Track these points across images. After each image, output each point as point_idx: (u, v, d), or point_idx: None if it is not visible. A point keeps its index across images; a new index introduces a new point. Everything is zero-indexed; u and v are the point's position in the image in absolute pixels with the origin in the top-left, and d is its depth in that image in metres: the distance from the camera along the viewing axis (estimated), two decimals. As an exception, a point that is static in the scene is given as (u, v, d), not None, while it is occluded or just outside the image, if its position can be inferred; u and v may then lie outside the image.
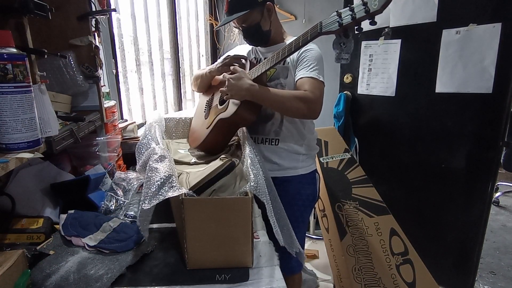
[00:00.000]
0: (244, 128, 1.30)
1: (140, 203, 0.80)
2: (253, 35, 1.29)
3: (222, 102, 1.25)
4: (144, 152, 1.04)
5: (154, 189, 0.77)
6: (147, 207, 0.75)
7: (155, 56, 2.46)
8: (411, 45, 1.67)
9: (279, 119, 1.31)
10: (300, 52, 1.20)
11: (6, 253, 0.73)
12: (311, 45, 1.20)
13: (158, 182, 0.79)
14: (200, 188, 0.84)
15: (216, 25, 3.04)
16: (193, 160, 1.18)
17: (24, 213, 0.95)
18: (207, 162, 1.14)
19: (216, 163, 1.03)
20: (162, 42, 2.52)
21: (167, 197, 0.76)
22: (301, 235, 1.42)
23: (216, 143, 1.24)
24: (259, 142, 1.36)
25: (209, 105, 1.38)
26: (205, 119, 1.33)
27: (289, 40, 1.32)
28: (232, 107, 1.16)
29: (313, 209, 1.46)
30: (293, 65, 1.24)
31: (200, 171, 1.05)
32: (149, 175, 0.84)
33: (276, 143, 1.33)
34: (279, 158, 1.34)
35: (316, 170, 1.43)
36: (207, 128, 1.25)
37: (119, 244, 0.90)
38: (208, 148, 1.25)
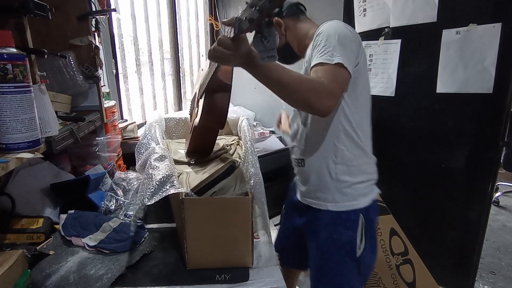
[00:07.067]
0: (244, 127, 1.30)
1: (140, 198, 0.80)
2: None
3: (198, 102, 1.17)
4: (144, 152, 1.04)
5: (156, 186, 0.77)
6: (149, 203, 0.76)
7: (155, 56, 2.46)
8: (411, 45, 1.67)
9: (304, 131, 1.06)
10: (313, 39, 0.93)
11: (6, 253, 0.73)
12: (322, 26, 0.93)
13: (160, 180, 0.79)
14: (200, 190, 0.84)
15: (217, 25, 3.04)
16: (193, 160, 1.18)
17: (24, 213, 0.95)
18: (207, 162, 1.14)
19: (216, 165, 1.03)
20: (162, 42, 2.52)
21: (169, 193, 0.76)
22: None
23: (200, 146, 1.19)
24: (294, 164, 1.13)
25: (192, 105, 1.32)
26: (190, 122, 1.30)
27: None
28: (199, 112, 1.08)
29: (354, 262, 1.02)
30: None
31: (199, 171, 1.05)
32: (150, 172, 0.84)
33: (302, 164, 1.08)
34: (308, 183, 1.06)
35: (363, 210, 1.00)
36: (190, 133, 1.22)
37: (119, 244, 0.90)
38: (196, 151, 1.21)
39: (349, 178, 0.99)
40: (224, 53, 0.72)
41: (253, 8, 0.62)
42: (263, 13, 0.60)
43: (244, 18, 0.64)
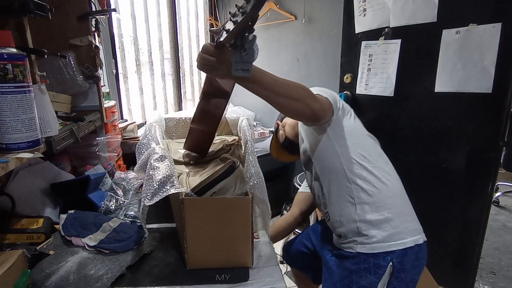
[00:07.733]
0: (244, 127, 1.30)
1: (142, 199, 0.81)
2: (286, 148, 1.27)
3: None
4: (144, 152, 1.04)
5: (156, 186, 0.78)
6: (150, 203, 0.76)
7: (155, 56, 2.46)
8: (411, 45, 1.67)
9: (318, 185, 1.05)
10: None
11: (6, 253, 0.73)
12: None
13: (161, 180, 0.79)
14: (200, 190, 0.84)
15: (216, 25, 3.04)
16: (193, 160, 1.18)
17: (24, 213, 0.95)
18: (207, 162, 1.14)
19: (216, 165, 1.03)
20: (162, 42, 2.52)
21: (169, 193, 0.76)
22: None
23: (196, 145, 1.19)
24: (326, 219, 1.09)
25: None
26: None
27: None
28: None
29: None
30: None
31: (199, 171, 1.05)
32: (150, 173, 0.84)
33: (328, 218, 1.04)
34: (338, 233, 1.02)
35: (396, 256, 0.92)
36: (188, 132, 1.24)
37: (119, 244, 0.90)
38: (192, 149, 1.21)
39: (373, 217, 0.93)
40: (209, 60, 0.72)
41: (231, 19, 0.64)
42: (237, 25, 0.61)
43: (222, 28, 0.66)
